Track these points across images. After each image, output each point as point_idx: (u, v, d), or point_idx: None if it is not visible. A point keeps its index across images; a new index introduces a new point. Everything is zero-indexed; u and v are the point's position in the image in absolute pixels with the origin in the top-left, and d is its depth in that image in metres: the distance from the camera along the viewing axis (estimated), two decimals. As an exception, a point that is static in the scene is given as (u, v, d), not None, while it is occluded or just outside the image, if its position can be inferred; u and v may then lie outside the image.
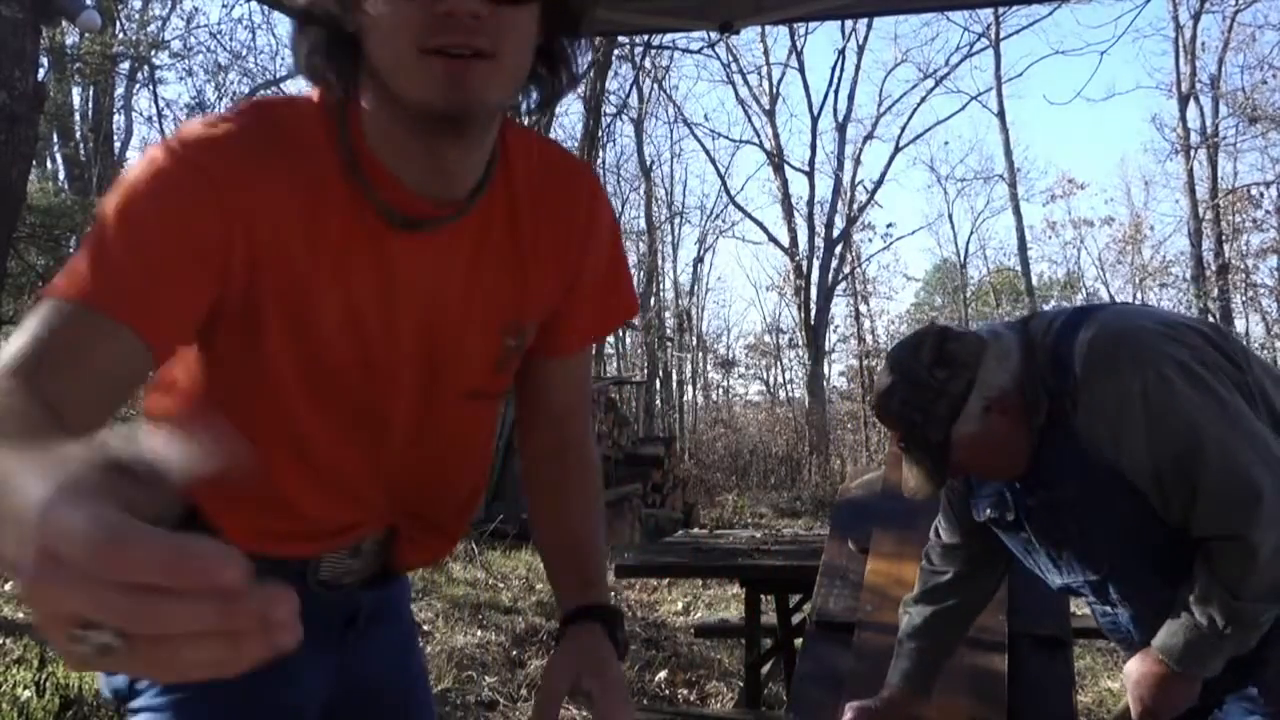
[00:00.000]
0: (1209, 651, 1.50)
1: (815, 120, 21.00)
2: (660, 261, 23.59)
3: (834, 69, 22.50)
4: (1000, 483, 1.70)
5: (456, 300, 1.02)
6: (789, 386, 23.59)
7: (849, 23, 17.91)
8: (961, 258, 23.47)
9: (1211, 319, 18.16)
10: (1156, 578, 1.55)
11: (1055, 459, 1.59)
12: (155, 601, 0.40)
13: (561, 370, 1.17)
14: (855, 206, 21.08)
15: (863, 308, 21.69)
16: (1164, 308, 2.02)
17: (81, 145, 15.89)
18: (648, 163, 22.52)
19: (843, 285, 21.30)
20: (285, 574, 0.97)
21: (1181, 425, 1.44)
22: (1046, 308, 21.32)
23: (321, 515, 1.07)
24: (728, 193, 23.16)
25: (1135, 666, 1.61)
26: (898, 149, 21.41)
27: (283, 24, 18.35)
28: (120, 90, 16.62)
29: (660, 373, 21.79)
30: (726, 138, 31.25)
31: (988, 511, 1.74)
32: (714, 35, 13.32)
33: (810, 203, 20.90)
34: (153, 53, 15.37)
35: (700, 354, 24.63)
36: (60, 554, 0.41)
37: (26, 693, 3.27)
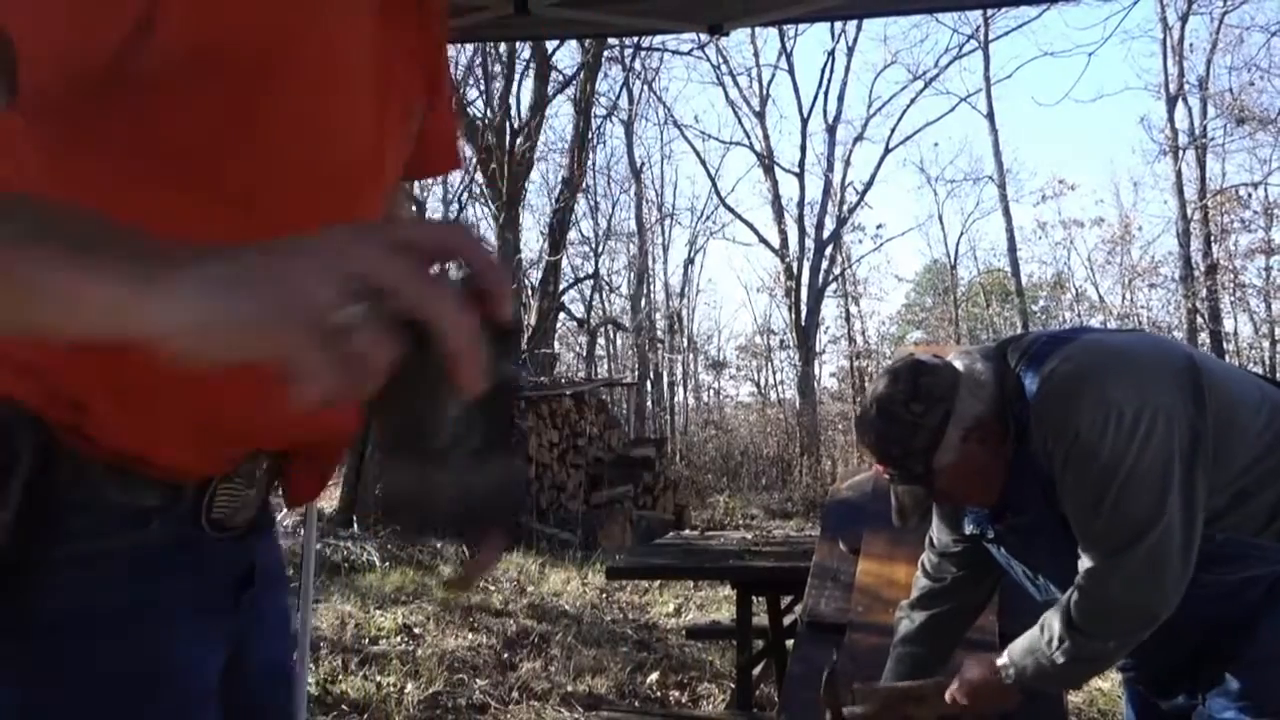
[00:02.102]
0: (1041, 674, 1.61)
1: (805, 122, 21.06)
2: (651, 263, 23.65)
3: (823, 70, 22.57)
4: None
5: (375, 65, 0.83)
6: (780, 388, 23.61)
7: (838, 24, 17.96)
8: (952, 258, 23.52)
9: (1200, 319, 18.25)
10: None
11: (1021, 486, 1.65)
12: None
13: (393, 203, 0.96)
14: (845, 208, 21.14)
15: (853, 309, 21.76)
16: (1145, 334, 2.02)
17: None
18: (638, 164, 22.58)
19: (833, 286, 21.36)
20: (173, 510, 0.85)
21: (1096, 473, 1.51)
22: (1037, 312, 21.22)
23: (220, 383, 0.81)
24: (718, 194, 23.21)
25: (974, 669, 1.72)
26: (887, 150, 21.49)
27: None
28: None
29: (651, 374, 21.79)
30: (716, 139, 31.49)
31: (970, 528, 1.82)
32: (704, 37, 13.34)
33: (800, 204, 20.96)
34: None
35: (691, 355, 24.65)
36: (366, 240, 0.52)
37: None
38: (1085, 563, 1.55)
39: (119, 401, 0.77)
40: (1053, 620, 1.58)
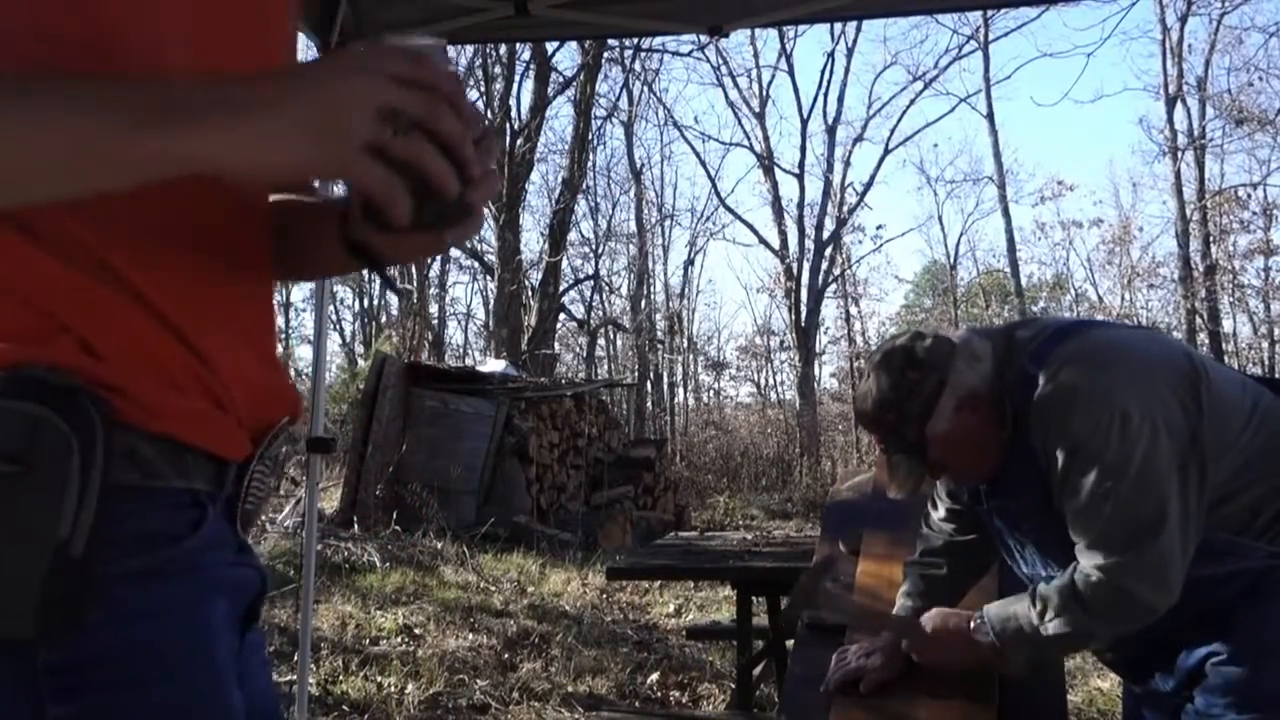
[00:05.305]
0: (1020, 640, 1.63)
1: (805, 122, 21.08)
2: (650, 264, 23.65)
3: (823, 71, 22.58)
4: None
5: None
6: (780, 388, 23.63)
7: (838, 25, 17.96)
8: (951, 259, 23.54)
9: (1199, 319, 18.24)
10: None
11: (1015, 471, 1.67)
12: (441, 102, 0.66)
13: None
14: (845, 208, 21.15)
15: (853, 309, 21.75)
16: (1149, 332, 2.02)
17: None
18: (638, 165, 22.63)
19: (833, 287, 21.36)
20: (218, 497, 0.78)
21: (1100, 477, 1.53)
22: (1036, 313, 21.50)
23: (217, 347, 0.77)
24: (718, 195, 23.25)
25: (942, 617, 1.73)
26: (887, 151, 21.51)
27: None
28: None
29: (651, 375, 21.80)
30: (716, 140, 31.54)
31: (965, 497, 1.87)
32: (704, 38, 13.35)
33: (800, 205, 20.97)
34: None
35: (691, 356, 24.66)
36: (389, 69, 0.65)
37: None
38: (1092, 558, 1.56)
39: (127, 338, 0.71)
40: (1050, 593, 1.60)
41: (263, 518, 7.32)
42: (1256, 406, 1.62)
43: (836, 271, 21.25)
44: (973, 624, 1.70)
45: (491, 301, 18.14)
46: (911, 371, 1.65)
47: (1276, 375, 17.38)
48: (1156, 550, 1.51)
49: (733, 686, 3.94)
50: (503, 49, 15.17)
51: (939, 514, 1.98)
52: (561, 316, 18.84)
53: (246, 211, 0.84)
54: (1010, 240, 21.39)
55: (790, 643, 3.28)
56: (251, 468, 0.81)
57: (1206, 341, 18.10)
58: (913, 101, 22.32)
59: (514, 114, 15.80)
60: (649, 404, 21.17)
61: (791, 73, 25.96)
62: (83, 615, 0.66)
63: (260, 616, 0.89)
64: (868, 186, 21.49)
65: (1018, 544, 1.77)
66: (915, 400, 1.64)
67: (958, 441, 1.65)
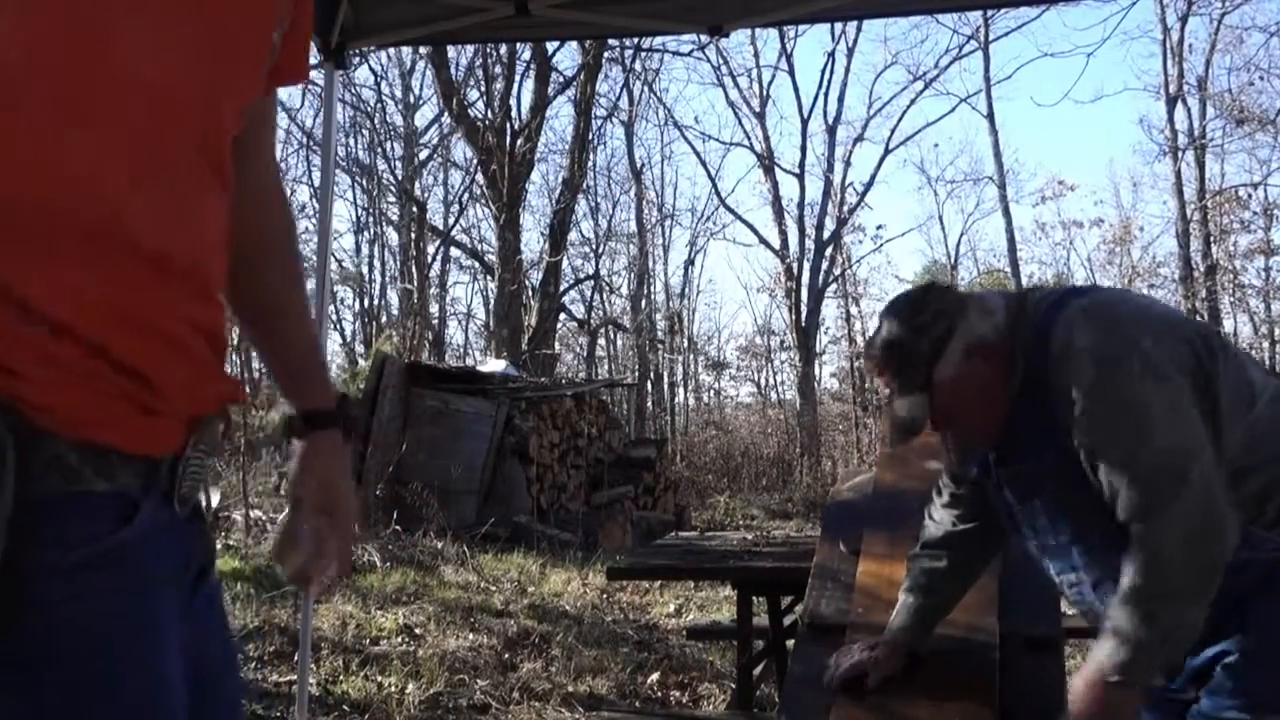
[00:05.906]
0: (1138, 657, 1.53)
1: (805, 122, 21.05)
2: (651, 264, 23.64)
3: (824, 71, 22.56)
4: (980, 451, 1.77)
5: None
6: (780, 388, 23.61)
7: (838, 25, 17.96)
8: (952, 259, 23.53)
9: (1200, 319, 18.24)
10: (1115, 553, 1.57)
11: (1027, 431, 1.65)
12: None
13: (271, 105, 1.06)
14: (845, 208, 21.13)
15: (854, 309, 21.72)
16: (1156, 301, 2.06)
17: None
18: (638, 165, 22.61)
19: (833, 287, 21.35)
20: (153, 491, 0.80)
21: (1123, 421, 1.52)
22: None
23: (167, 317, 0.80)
24: (718, 195, 23.20)
25: (1078, 686, 1.63)
26: (888, 151, 21.47)
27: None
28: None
29: (651, 375, 21.79)
30: (717, 140, 31.42)
31: (973, 471, 1.85)
32: (704, 38, 13.35)
33: (801, 205, 20.96)
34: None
35: (691, 356, 24.65)
36: None
37: None
38: (1134, 525, 1.51)
39: (49, 359, 0.72)
40: (1124, 607, 1.52)
41: (264, 517, 7.33)
42: (1266, 388, 1.62)
43: (837, 271, 21.24)
44: (1105, 681, 1.56)
45: (492, 301, 18.15)
46: (922, 314, 1.66)
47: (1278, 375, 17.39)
48: (1192, 491, 1.47)
49: (733, 686, 3.94)
50: (503, 49, 15.16)
51: (942, 499, 1.96)
52: (562, 316, 18.84)
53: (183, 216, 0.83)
54: (1011, 240, 21.40)
55: (790, 643, 3.28)
56: (186, 454, 0.83)
57: (1207, 341, 18.10)
58: (913, 101, 22.25)
59: (514, 114, 15.80)
60: (649, 404, 21.17)
61: (792, 72, 25.86)
62: (8, 614, 0.70)
63: (213, 572, 0.93)
64: (868, 186, 21.49)
65: (1028, 513, 1.74)
66: (924, 340, 1.64)
67: (965, 389, 1.64)
